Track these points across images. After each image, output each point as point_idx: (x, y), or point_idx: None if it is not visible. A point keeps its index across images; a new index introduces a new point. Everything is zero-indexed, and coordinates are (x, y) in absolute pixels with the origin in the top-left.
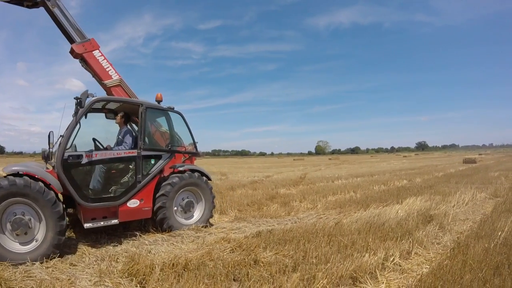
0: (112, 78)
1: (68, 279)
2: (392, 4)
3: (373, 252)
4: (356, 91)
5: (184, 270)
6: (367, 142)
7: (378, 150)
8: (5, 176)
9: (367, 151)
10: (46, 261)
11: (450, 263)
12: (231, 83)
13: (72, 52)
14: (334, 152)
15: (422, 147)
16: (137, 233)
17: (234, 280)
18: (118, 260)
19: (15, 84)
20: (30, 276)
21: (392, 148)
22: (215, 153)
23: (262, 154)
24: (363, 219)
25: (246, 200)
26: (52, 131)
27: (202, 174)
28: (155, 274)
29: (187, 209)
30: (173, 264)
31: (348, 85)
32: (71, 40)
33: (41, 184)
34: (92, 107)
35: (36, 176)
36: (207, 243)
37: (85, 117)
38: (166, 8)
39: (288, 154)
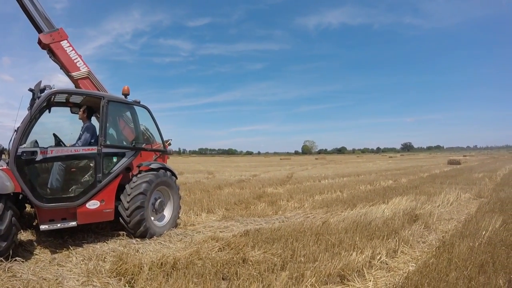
0: (80, 70)
1: (56, 279)
2: (381, 6)
3: (360, 250)
4: (343, 92)
5: (172, 269)
6: (353, 142)
7: (364, 151)
8: None
9: (353, 151)
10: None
11: (436, 261)
12: (219, 82)
13: (39, 42)
14: (320, 152)
15: (407, 148)
16: (124, 232)
17: (223, 279)
18: (105, 259)
19: (0, 79)
20: (16, 276)
21: (378, 148)
22: (202, 152)
23: (249, 153)
24: (350, 218)
25: (233, 199)
26: (19, 126)
27: (167, 170)
28: (143, 274)
29: (160, 210)
30: (161, 263)
31: (335, 85)
32: (39, 29)
33: None
34: (55, 100)
35: None
36: (195, 242)
37: (49, 111)
38: (154, 4)
39: (275, 154)
